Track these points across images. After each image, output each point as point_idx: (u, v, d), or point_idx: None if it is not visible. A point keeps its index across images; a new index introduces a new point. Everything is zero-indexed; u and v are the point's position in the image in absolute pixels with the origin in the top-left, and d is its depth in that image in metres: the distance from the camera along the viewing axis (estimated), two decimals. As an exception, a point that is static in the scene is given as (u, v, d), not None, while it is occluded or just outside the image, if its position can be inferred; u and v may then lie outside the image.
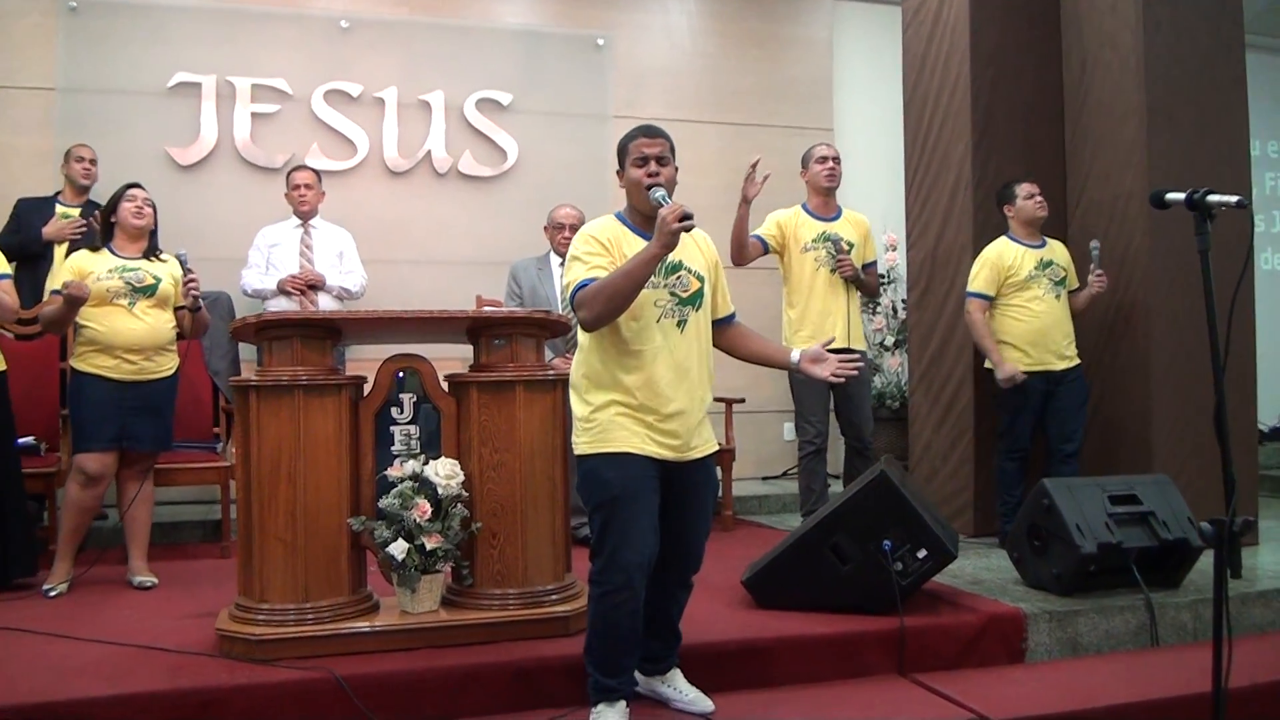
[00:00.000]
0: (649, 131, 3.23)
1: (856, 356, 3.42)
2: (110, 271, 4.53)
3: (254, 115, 6.72)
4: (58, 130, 6.28)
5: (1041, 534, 4.32)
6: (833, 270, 5.25)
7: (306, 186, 6.08)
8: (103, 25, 6.51)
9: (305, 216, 6.12)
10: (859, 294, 5.43)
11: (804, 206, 5.42)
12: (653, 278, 3.09)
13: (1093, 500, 4.30)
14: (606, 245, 3.14)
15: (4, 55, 6.37)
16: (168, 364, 4.68)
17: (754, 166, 4.96)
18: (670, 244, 2.96)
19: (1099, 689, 3.62)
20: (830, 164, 5.37)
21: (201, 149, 6.64)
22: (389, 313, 3.87)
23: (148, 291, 4.58)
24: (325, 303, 5.96)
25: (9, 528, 4.55)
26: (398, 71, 7.00)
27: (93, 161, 5.86)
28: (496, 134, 7.16)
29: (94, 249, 4.65)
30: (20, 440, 5.07)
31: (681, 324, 3.16)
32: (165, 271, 4.66)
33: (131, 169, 5.70)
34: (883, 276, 6.88)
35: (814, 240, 5.29)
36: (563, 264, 5.45)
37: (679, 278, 3.17)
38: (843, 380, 3.33)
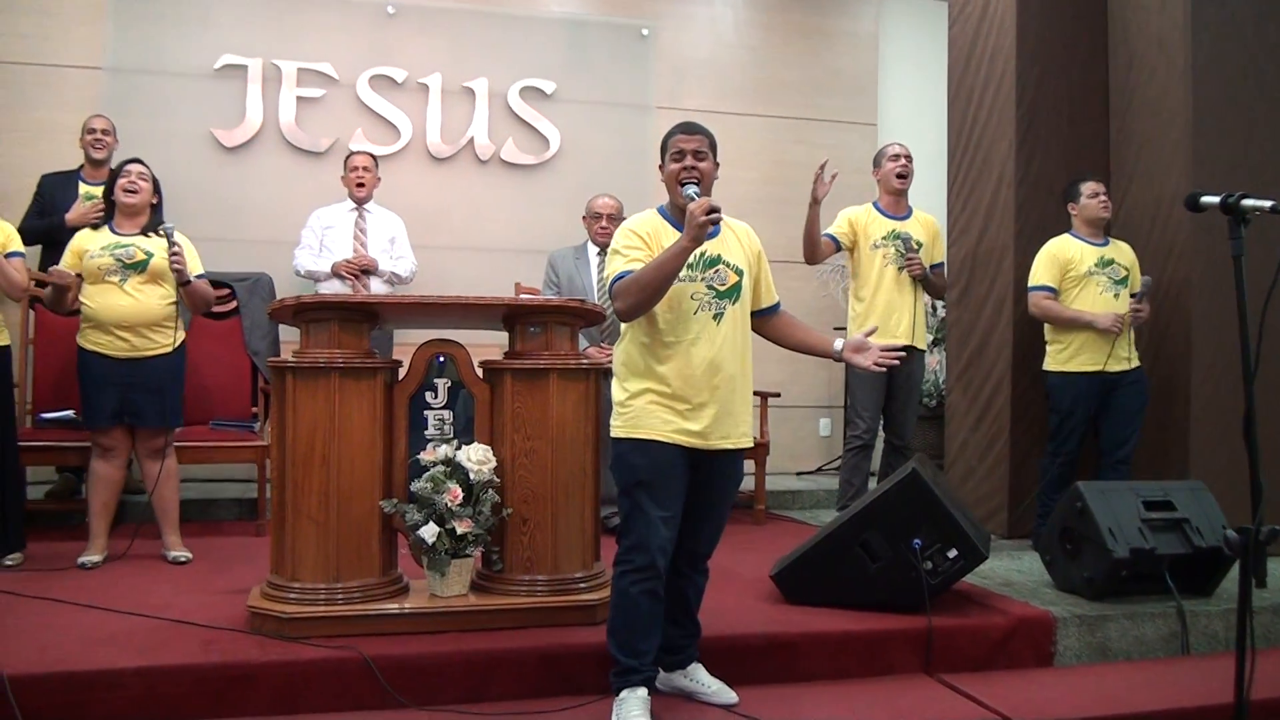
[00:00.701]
0: (687, 128, 3.29)
1: (900, 347, 3.43)
2: (103, 249, 4.56)
3: (299, 99, 6.78)
4: (103, 109, 6.31)
5: (1074, 537, 4.29)
6: (900, 268, 5.30)
7: (365, 169, 6.14)
8: (150, 6, 6.58)
9: (361, 200, 6.17)
10: (925, 294, 5.45)
11: (875, 205, 5.51)
12: (690, 271, 3.15)
13: (1127, 505, 4.26)
14: (646, 239, 3.20)
15: (53, 34, 6.45)
16: (164, 340, 4.64)
17: (822, 168, 5.02)
18: (698, 237, 3.01)
19: (1127, 695, 3.60)
20: (902, 162, 5.46)
21: (246, 131, 6.69)
22: (426, 298, 3.90)
23: (138, 267, 4.56)
24: (376, 287, 6.01)
25: (5, 503, 4.57)
26: (443, 58, 7.03)
27: (105, 132, 5.78)
28: (539, 122, 7.17)
29: (95, 227, 4.69)
30: (59, 414, 5.15)
31: (718, 316, 3.20)
32: (159, 247, 4.61)
33: (176, 150, 5.77)
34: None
35: (884, 237, 5.38)
36: (600, 254, 5.50)
37: (716, 271, 3.21)
38: (884, 370, 3.36)
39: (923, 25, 7.98)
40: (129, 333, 4.55)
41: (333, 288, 5.93)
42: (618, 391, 3.26)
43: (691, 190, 3.14)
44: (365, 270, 5.96)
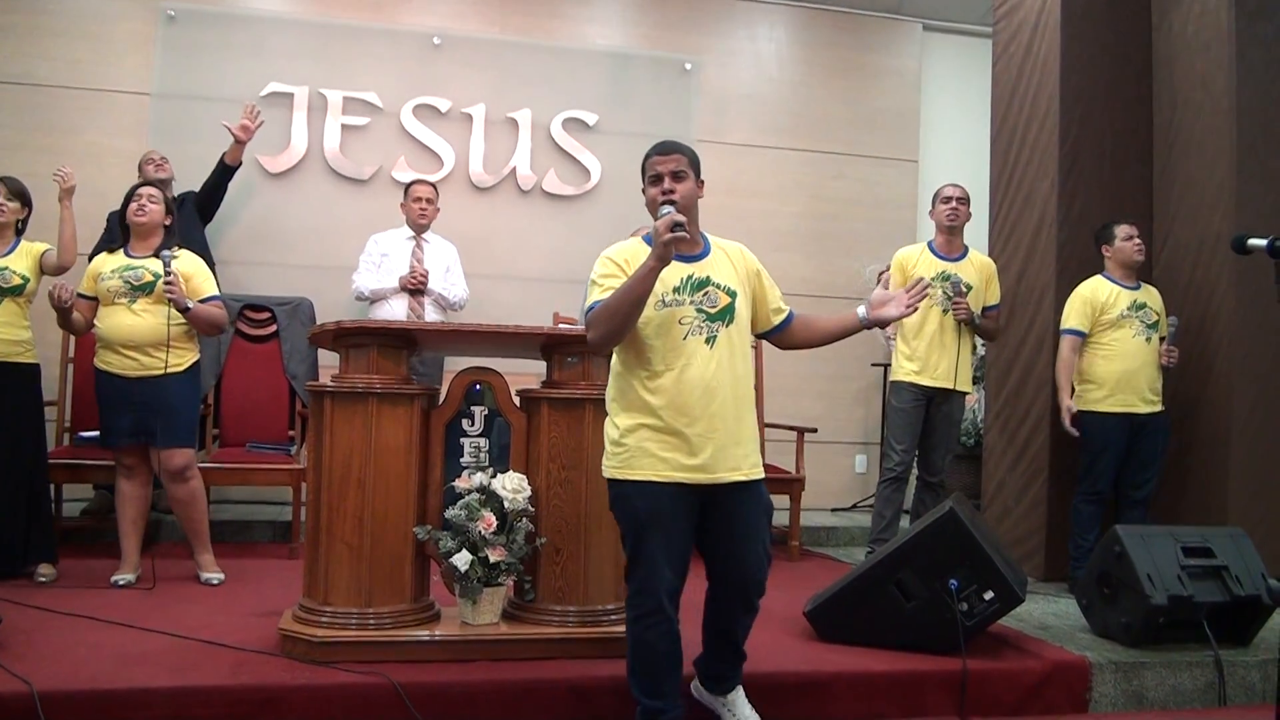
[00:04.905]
0: (663, 148, 3.16)
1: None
2: (113, 271, 4.61)
3: (344, 127, 6.84)
4: (151, 134, 6.45)
5: (1112, 582, 4.23)
6: (945, 310, 5.24)
7: (429, 201, 6.17)
8: (199, 35, 6.68)
9: (421, 229, 6.20)
10: (973, 337, 5.40)
11: (929, 244, 5.46)
12: (678, 295, 3.06)
13: (1165, 551, 4.19)
14: (623, 266, 3.09)
15: (103, 60, 6.56)
16: (174, 360, 4.61)
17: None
18: (664, 255, 2.88)
19: (1164, 744, 3.54)
20: (953, 204, 5.40)
21: (291, 158, 6.76)
22: (465, 325, 3.92)
23: (146, 289, 4.58)
24: (429, 311, 6.04)
25: (35, 515, 4.67)
26: (487, 88, 7.09)
27: (163, 159, 5.92)
28: (581, 153, 7.21)
29: (112, 250, 4.74)
30: (89, 433, 5.22)
31: (710, 340, 3.07)
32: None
33: (221, 175, 5.85)
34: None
35: (932, 278, 5.24)
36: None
37: (706, 294, 3.10)
38: (913, 311, 3.28)
39: (966, 63, 7.97)
40: (137, 352, 4.57)
41: (389, 309, 5.95)
42: (610, 428, 3.14)
43: (664, 210, 2.97)
44: (422, 285, 5.98)
